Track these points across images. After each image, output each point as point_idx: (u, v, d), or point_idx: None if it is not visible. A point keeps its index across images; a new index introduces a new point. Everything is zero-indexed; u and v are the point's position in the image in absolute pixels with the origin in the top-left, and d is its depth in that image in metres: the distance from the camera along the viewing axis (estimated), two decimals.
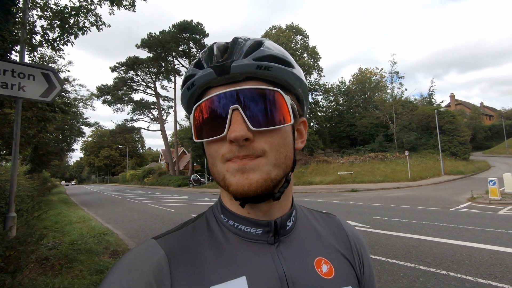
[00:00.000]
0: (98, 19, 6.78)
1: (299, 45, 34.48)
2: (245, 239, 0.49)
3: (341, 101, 40.47)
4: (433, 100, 34.89)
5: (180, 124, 43.98)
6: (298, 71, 0.49)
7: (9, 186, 4.70)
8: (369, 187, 18.10)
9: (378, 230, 6.64)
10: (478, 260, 4.48)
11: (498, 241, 5.36)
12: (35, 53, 5.41)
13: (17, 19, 5.00)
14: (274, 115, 0.44)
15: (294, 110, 0.48)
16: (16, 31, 5.01)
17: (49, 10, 5.12)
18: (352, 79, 40.36)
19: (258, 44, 0.47)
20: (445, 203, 10.46)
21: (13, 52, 5.47)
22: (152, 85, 42.14)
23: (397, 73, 32.27)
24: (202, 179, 31.15)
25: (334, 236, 0.57)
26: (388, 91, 35.35)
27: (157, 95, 42.06)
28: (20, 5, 5.08)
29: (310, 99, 37.70)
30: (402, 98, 32.78)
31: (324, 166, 26.67)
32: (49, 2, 5.54)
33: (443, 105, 35.06)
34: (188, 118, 0.51)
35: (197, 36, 37.92)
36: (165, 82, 46.21)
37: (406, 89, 45.30)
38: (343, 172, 22.77)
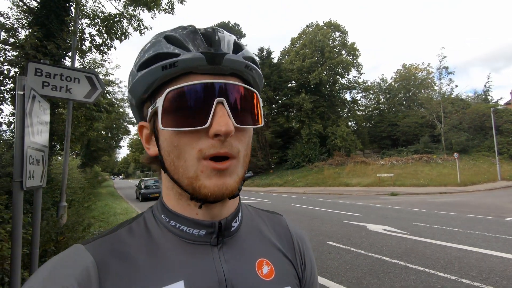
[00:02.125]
0: (141, 23, 7.28)
1: (337, 42, 33.38)
2: (186, 241, 0.46)
3: (382, 100, 38.38)
4: (489, 97, 31.52)
5: None
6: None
7: (61, 179, 5.26)
8: (411, 191, 16.93)
9: (417, 237, 6.19)
10: None
11: None
12: (85, 59, 6.00)
13: (70, 28, 5.55)
14: (252, 114, 0.45)
15: None
16: (68, 39, 5.58)
17: (97, 18, 5.63)
18: (394, 76, 38.07)
19: (238, 41, 0.46)
20: (500, 212, 9.39)
21: (67, 58, 6.11)
22: None
23: (446, 68, 29.63)
24: None
25: (278, 236, 0.56)
26: (436, 88, 32.68)
27: None
28: (73, 15, 5.65)
29: (349, 98, 36.36)
30: (452, 96, 30.10)
31: (362, 167, 25.52)
32: (97, 10, 6.08)
33: (501, 102, 31.46)
34: (133, 99, 0.47)
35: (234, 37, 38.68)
36: None
37: (456, 86, 41.63)
38: (382, 174, 21.59)
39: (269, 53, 33.45)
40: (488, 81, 37.13)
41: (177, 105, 0.41)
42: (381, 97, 38.55)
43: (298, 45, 34.79)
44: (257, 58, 0.49)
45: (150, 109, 0.45)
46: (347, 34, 33.75)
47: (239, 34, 38.73)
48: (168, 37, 0.43)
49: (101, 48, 5.12)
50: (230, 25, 38.07)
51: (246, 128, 0.44)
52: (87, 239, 0.48)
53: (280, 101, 33.91)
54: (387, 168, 23.93)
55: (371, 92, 38.29)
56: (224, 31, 0.46)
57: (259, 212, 0.60)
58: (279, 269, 0.50)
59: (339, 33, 33.74)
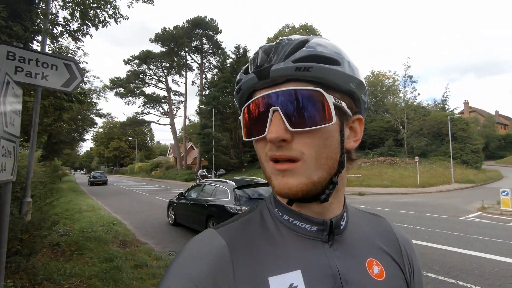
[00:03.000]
0: (117, 11, 6.88)
1: None
2: (299, 235, 0.49)
3: None
4: (446, 106, 34.19)
5: (189, 119, 44.40)
6: (347, 67, 0.47)
7: (26, 172, 4.84)
8: (376, 191, 17.91)
9: None
10: (488, 270, 4.41)
11: (509, 253, 5.25)
12: (55, 44, 5.54)
13: (39, 10, 5.11)
14: (314, 115, 0.43)
15: (342, 109, 0.46)
16: (38, 21, 5.14)
17: (71, 1, 5.23)
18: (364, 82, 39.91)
19: (301, 43, 0.46)
20: (455, 212, 10.29)
21: (35, 42, 5.62)
22: (164, 80, 42.54)
23: (410, 77, 31.73)
24: (208, 175, 31.35)
25: (384, 238, 0.56)
26: (401, 95, 34.84)
27: (168, 89, 42.44)
28: None
29: None
30: (415, 103, 32.25)
31: None
32: None
33: (456, 111, 34.34)
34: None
35: (210, 32, 38.06)
36: (176, 77, 46.51)
37: (419, 94, 44.72)
38: (350, 175, 22.55)
39: (245, 51, 33.38)
40: (446, 91, 40.25)
41: (249, 119, 0.48)
42: None
43: None
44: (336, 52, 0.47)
45: None
46: None
47: (215, 30, 38.20)
48: (244, 67, 0.51)
49: (76, 34, 4.79)
50: (207, 20, 37.43)
51: (310, 130, 0.43)
52: (216, 225, 0.52)
53: None
54: (355, 169, 24.86)
55: None
56: (286, 39, 0.47)
57: (363, 214, 0.60)
58: (388, 271, 0.51)
59: None
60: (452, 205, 11.97)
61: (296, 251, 0.47)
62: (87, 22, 5.09)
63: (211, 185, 7.16)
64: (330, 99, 0.44)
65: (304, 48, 0.45)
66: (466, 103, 58.10)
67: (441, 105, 34.01)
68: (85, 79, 20.96)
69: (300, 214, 0.49)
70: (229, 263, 0.44)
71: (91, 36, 5.00)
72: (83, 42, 5.15)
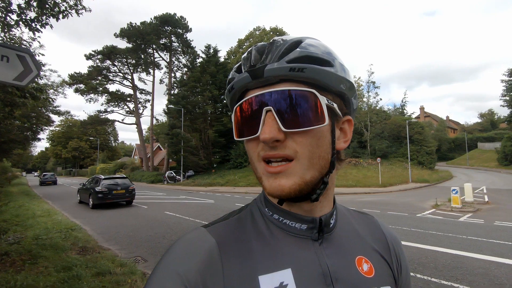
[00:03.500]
0: (78, 2, 6.44)
1: None
2: (289, 233, 0.49)
3: None
4: (405, 111, 36.75)
5: (156, 119, 42.86)
6: (339, 69, 0.47)
7: None
8: (342, 191, 18.68)
9: None
10: (441, 263, 4.78)
11: (459, 246, 5.76)
12: (7, 34, 5.03)
13: None
14: (307, 116, 0.43)
15: (333, 110, 0.47)
16: None
17: None
18: None
19: (295, 44, 0.46)
20: (412, 209, 11.06)
21: None
22: (130, 77, 40.65)
23: (373, 82, 33.61)
24: (177, 176, 30.49)
25: (372, 236, 0.57)
26: (364, 99, 36.73)
27: (134, 87, 40.63)
28: None
29: None
30: (377, 107, 34.20)
31: None
32: None
33: (413, 116, 37.05)
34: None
35: (179, 30, 37.14)
36: (143, 75, 44.87)
37: (381, 99, 47.53)
38: None
39: (215, 51, 33.06)
40: (405, 97, 43.41)
41: (241, 118, 0.48)
42: None
43: (245, 46, 35.26)
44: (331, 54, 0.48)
45: None
46: None
47: (185, 28, 37.34)
48: (237, 66, 0.51)
49: (33, 24, 4.38)
50: (176, 17, 36.48)
51: (302, 130, 0.43)
52: (206, 223, 0.52)
53: (224, 101, 33.76)
54: None
55: None
56: (281, 39, 0.47)
57: (352, 212, 0.61)
58: (377, 268, 0.51)
59: None
60: (409, 203, 12.84)
61: (286, 250, 0.47)
62: (46, 12, 4.71)
63: (95, 178, 13.25)
64: (323, 100, 0.44)
65: (298, 49, 0.45)
66: (422, 109, 62.89)
67: (400, 110, 36.46)
68: (41, 73, 19.34)
69: (290, 213, 0.50)
70: (219, 262, 0.44)
71: (51, 26, 4.61)
72: (41, 33, 4.73)
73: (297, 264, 0.46)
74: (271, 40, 0.48)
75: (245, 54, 0.49)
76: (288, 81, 0.45)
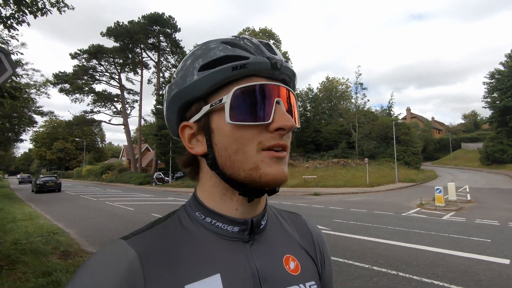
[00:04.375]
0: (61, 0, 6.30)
1: None
2: (220, 237, 0.49)
3: (309, 107, 41.78)
4: (392, 112, 37.42)
5: (145, 120, 42.22)
6: None
7: None
8: (331, 191, 18.88)
9: (338, 233, 6.96)
10: (423, 261, 4.89)
11: (440, 244, 5.90)
12: None
13: None
14: (296, 116, 0.50)
15: None
16: None
17: None
18: (319, 87, 41.92)
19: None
20: (398, 208, 11.27)
21: None
22: (117, 77, 39.96)
23: (361, 84, 34.05)
24: (165, 178, 30.12)
25: (300, 234, 0.60)
26: (353, 100, 37.26)
27: (122, 87, 39.96)
28: None
29: None
30: (365, 108, 34.73)
31: (290, 169, 27.21)
32: None
33: (400, 117, 37.80)
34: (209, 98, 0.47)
35: (168, 30, 36.75)
36: (131, 75, 44.06)
37: (368, 100, 48.33)
38: (307, 176, 23.48)
39: None
40: (391, 98, 44.17)
41: (243, 102, 0.45)
42: (307, 105, 41.92)
43: None
44: None
45: (206, 107, 0.47)
46: (281, 43, 35.75)
47: (173, 28, 36.98)
48: (229, 43, 0.48)
49: (9, 21, 4.23)
50: (165, 17, 36.08)
51: (295, 127, 0.49)
52: (126, 235, 0.48)
53: None
54: (311, 171, 26.13)
55: (300, 99, 41.29)
56: (272, 43, 0.51)
57: (281, 212, 0.63)
58: (303, 265, 0.54)
59: (273, 41, 35.43)
60: (396, 203, 13.09)
61: (216, 255, 0.47)
62: (23, 9, 4.58)
63: (38, 177, 24.76)
64: (298, 107, 0.53)
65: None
66: (408, 110, 64.26)
67: (387, 111, 37.11)
68: (22, 72, 18.77)
69: (223, 215, 0.49)
70: (140, 276, 0.41)
71: (28, 24, 4.48)
72: (17, 30, 4.60)
73: (226, 268, 0.46)
74: (266, 42, 0.51)
75: (248, 40, 0.49)
76: (284, 82, 0.50)
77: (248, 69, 0.45)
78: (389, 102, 38.37)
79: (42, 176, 25.17)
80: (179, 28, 37.21)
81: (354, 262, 4.81)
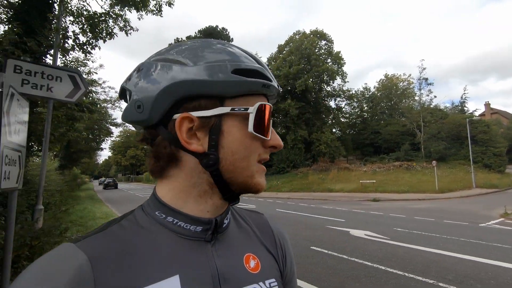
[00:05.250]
0: (127, 24, 7.15)
1: (323, 50, 34.12)
2: (181, 236, 0.47)
3: (365, 108, 39.42)
4: (465, 108, 33.01)
5: None
6: None
7: (39, 181, 5.04)
8: (392, 197, 17.39)
9: (397, 242, 6.36)
10: (505, 280, 4.15)
11: None
12: (67, 57, 5.81)
13: (52, 25, 5.38)
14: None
15: None
16: (51, 36, 5.40)
17: (81, 16, 5.48)
18: (377, 86, 39.28)
19: None
20: (474, 218, 9.82)
21: (48, 56, 5.90)
22: None
23: (426, 79, 30.90)
24: None
25: (261, 233, 0.60)
26: (416, 98, 33.96)
27: None
28: (56, 12, 5.49)
29: (333, 105, 37.13)
30: (431, 106, 31.34)
31: (346, 173, 26.02)
32: (82, 8, 5.93)
33: (476, 113, 33.05)
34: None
35: (221, 41, 38.65)
36: None
37: (435, 96, 42.72)
38: (365, 181, 22.07)
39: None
40: (465, 93, 38.87)
41: (261, 116, 0.48)
42: (364, 106, 39.57)
43: (285, 52, 35.25)
44: None
45: (221, 108, 0.46)
46: (333, 43, 34.59)
47: (226, 38, 38.79)
48: (255, 59, 0.51)
49: (85, 47, 4.99)
50: (218, 29, 38.12)
51: None
52: (75, 238, 0.46)
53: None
54: (370, 175, 24.50)
55: (355, 100, 39.23)
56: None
57: (242, 212, 0.63)
58: (264, 263, 0.54)
59: (325, 41, 34.52)
60: (471, 211, 11.43)
61: (175, 255, 0.45)
62: (96, 35, 5.33)
63: (103, 179, 52.53)
64: None
65: None
66: (487, 105, 55.85)
67: (460, 107, 32.91)
68: (101, 90, 21.76)
69: (186, 215, 0.48)
70: (90, 282, 0.39)
71: (99, 48, 5.22)
72: (92, 54, 5.37)
73: (186, 269, 0.45)
74: (264, 64, 0.53)
75: (266, 67, 0.52)
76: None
77: (269, 90, 0.50)
78: (461, 97, 33.86)
79: (106, 179, 45.85)
80: (232, 38, 38.87)
81: (415, 276, 4.34)
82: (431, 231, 7.51)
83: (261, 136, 0.47)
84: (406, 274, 4.42)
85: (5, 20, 5.73)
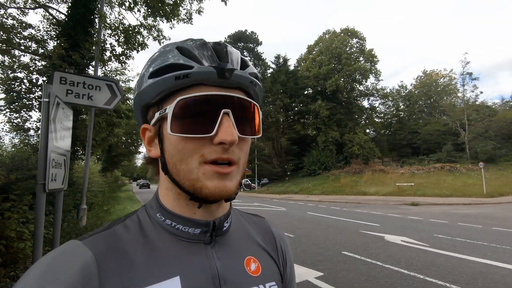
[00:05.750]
0: (160, 33, 7.55)
1: (354, 49, 33.09)
2: (181, 239, 0.48)
3: (402, 107, 37.42)
4: None
5: None
6: None
7: (82, 182, 5.48)
8: (433, 201, 16.25)
9: (438, 250, 5.92)
10: None
11: None
12: (106, 67, 6.28)
13: (93, 39, 5.85)
14: (252, 126, 0.48)
15: None
16: (92, 49, 5.88)
17: (117, 29, 5.89)
18: (414, 83, 37.12)
19: (244, 58, 0.49)
20: None
21: (90, 67, 6.42)
22: None
23: (470, 74, 28.56)
24: (252, 184, 31.71)
25: (262, 236, 0.61)
26: (459, 94, 31.53)
27: None
28: (96, 26, 5.96)
29: (366, 105, 35.76)
30: (477, 102, 28.89)
31: (381, 176, 24.82)
32: (119, 22, 6.37)
33: None
34: (146, 106, 0.49)
35: (250, 45, 39.19)
36: None
37: (481, 92, 39.07)
38: (402, 184, 20.87)
39: (285, 60, 33.59)
40: None
41: (186, 113, 0.43)
42: (400, 104, 37.59)
43: (314, 52, 34.75)
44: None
45: (157, 114, 0.47)
46: (365, 41, 33.42)
47: (255, 42, 39.20)
48: (181, 49, 0.46)
49: (121, 57, 5.36)
50: (247, 33, 38.66)
51: (247, 138, 0.47)
52: (82, 235, 0.47)
53: (296, 108, 33.83)
54: (407, 177, 23.14)
55: (390, 99, 37.44)
56: (232, 47, 0.49)
57: (245, 215, 0.64)
58: (264, 266, 0.54)
59: (356, 39, 33.45)
60: None
61: (176, 257, 0.46)
62: (130, 46, 5.70)
63: (139, 181, 63.47)
64: (260, 115, 0.50)
65: (250, 65, 0.50)
66: None
67: (511, 103, 29.95)
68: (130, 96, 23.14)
69: (184, 218, 0.49)
70: (95, 279, 0.40)
71: (133, 58, 5.57)
72: (127, 64, 5.75)
73: (186, 271, 0.45)
74: (219, 43, 0.48)
75: (199, 44, 0.47)
76: (241, 90, 0.48)
77: (191, 79, 0.44)
78: None
79: (141, 181, 53.49)
80: (261, 42, 39.20)
81: (458, 287, 4.00)
82: (478, 239, 6.88)
83: (188, 135, 0.43)
84: (448, 285, 4.10)
85: (54, 36, 6.35)
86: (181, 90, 0.45)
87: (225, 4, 5.94)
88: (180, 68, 0.44)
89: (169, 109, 0.44)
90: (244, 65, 0.48)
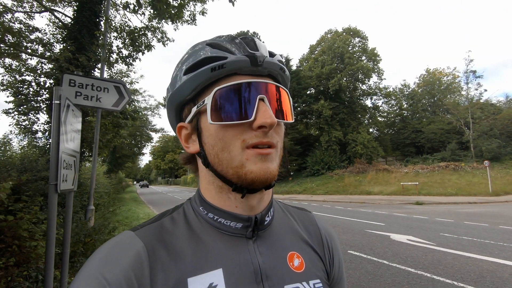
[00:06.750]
0: (164, 35, 7.59)
1: (357, 48, 32.96)
2: (223, 232, 0.50)
3: (405, 105, 37.22)
4: None
5: None
6: None
7: (90, 183, 5.53)
8: (438, 200, 16.16)
9: (444, 249, 5.90)
10: None
11: None
12: (112, 69, 6.34)
13: (99, 41, 5.91)
14: (286, 111, 0.49)
15: None
16: (98, 51, 5.94)
17: (123, 31, 5.95)
18: (418, 81, 36.92)
19: (266, 48, 0.52)
20: None
21: (96, 69, 6.48)
22: None
23: (473, 71, 28.33)
24: None
25: (307, 231, 0.59)
26: (463, 92, 31.31)
27: None
28: (102, 29, 6.02)
29: (370, 104, 35.63)
30: (481, 101, 28.67)
31: (385, 175, 24.70)
32: (124, 24, 6.43)
33: None
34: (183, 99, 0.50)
35: None
36: None
37: (485, 90, 38.79)
38: (406, 183, 20.78)
39: (287, 60, 33.51)
40: None
41: (224, 102, 0.45)
42: (403, 103, 37.39)
43: (316, 52, 34.68)
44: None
45: (194, 109, 0.49)
46: (367, 40, 33.26)
47: None
48: (212, 44, 0.49)
49: (127, 60, 5.41)
50: (249, 34, 38.70)
51: (282, 122, 0.49)
52: (134, 226, 0.51)
53: (299, 108, 33.74)
54: (411, 176, 23.02)
55: (393, 98, 37.25)
56: (256, 38, 0.52)
57: (289, 208, 0.63)
58: (309, 262, 0.53)
59: (359, 38, 33.33)
60: None
61: (219, 250, 0.48)
62: (136, 48, 5.75)
63: (141, 182, 68.82)
64: (291, 101, 0.52)
65: (276, 54, 0.52)
66: None
67: None
68: (142, 99, 23.25)
69: (226, 212, 0.50)
70: (146, 266, 0.43)
71: (139, 60, 5.61)
72: (134, 66, 5.81)
73: (229, 263, 0.46)
74: (245, 36, 0.51)
75: (229, 38, 0.49)
76: (271, 77, 0.51)
77: (226, 69, 0.46)
78: None
79: (142, 181, 56.78)
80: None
81: (467, 286, 3.99)
82: (485, 238, 6.85)
83: (229, 123, 0.44)
84: (456, 283, 4.09)
85: (60, 39, 6.42)
86: (215, 82, 0.47)
87: (233, 4, 5.96)
88: (214, 60, 0.46)
89: (208, 100, 0.46)
90: (271, 54, 0.51)
